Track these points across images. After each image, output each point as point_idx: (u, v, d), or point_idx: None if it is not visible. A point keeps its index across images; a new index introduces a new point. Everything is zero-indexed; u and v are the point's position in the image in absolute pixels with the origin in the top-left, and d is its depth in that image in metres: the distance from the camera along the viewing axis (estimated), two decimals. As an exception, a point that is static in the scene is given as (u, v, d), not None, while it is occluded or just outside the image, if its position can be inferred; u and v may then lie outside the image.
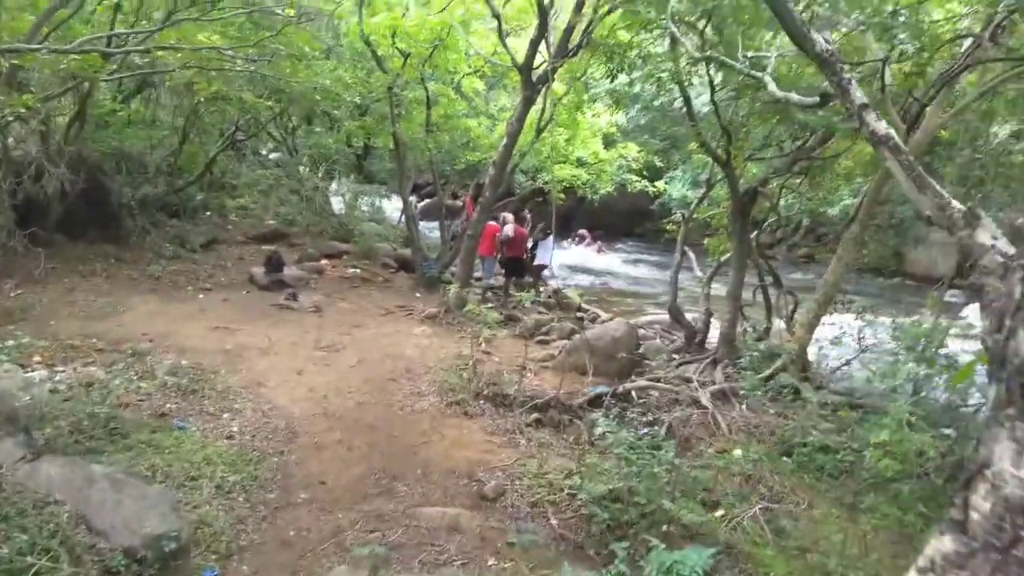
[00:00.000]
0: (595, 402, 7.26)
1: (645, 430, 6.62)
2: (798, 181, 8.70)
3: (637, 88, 10.34)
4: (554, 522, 5.08)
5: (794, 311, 8.71)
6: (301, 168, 18.55)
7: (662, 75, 6.77)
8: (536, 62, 9.97)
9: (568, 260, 18.26)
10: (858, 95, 2.76)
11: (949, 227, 2.34)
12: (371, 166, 21.41)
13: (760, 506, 5.29)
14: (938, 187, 2.50)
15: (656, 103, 19.31)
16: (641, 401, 7.27)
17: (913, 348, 6.06)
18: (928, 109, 6.76)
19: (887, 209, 10.08)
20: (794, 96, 3.99)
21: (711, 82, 6.45)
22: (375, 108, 13.77)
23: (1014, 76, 6.56)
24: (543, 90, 10.19)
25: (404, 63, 11.50)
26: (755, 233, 8.73)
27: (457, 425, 6.65)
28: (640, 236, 23.18)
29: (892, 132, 2.70)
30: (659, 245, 22.61)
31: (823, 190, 9.19)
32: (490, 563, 4.62)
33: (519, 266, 12.00)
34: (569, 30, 9.73)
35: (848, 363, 7.59)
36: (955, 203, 2.41)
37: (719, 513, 5.32)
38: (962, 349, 6.17)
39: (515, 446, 6.27)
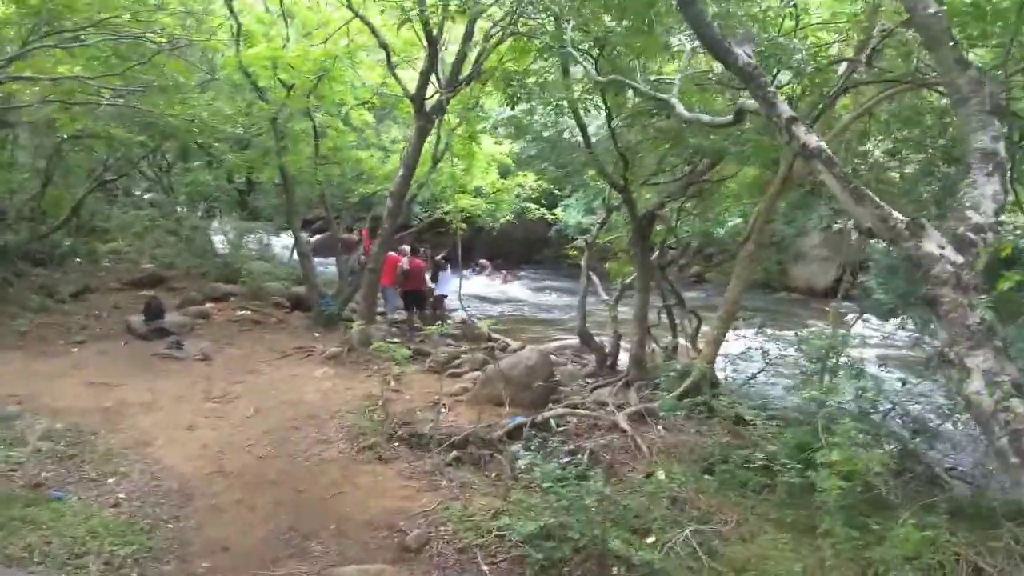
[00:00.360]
0: (514, 434, 7.04)
1: (567, 459, 6.47)
2: (690, 204, 8.95)
3: (537, 116, 10.42)
4: (485, 568, 4.79)
5: (697, 329, 8.90)
6: (178, 207, 17.47)
7: (560, 102, 6.77)
8: (429, 92, 9.83)
9: (473, 290, 18.07)
10: (784, 108, 2.75)
11: (892, 239, 2.31)
12: (256, 202, 20.44)
13: (690, 528, 5.21)
14: (876, 199, 2.48)
15: (546, 134, 19.70)
16: (560, 429, 7.12)
17: (818, 359, 6.27)
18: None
19: (771, 227, 10.60)
20: (703, 116, 4.02)
21: (608, 109, 6.51)
22: (258, 142, 13.17)
23: (885, 98, 7.04)
24: (437, 121, 10.04)
25: (288, 94, 11.05)
26: (655, 255, 8.88)
27: (371, 472, 6.23)
28: (539, 263, 23.38)
29: (823, 145, 2.70)
30: (559, 271, 22.91)
31: (713, 212, 9.52)
32: (422, 623, 4.28)
33: (420, 298, 11.71)
34: (460, 60, 9.68)
35: (754, 377, 7.78)
36: (896, 214, 2.39)
37: (650, 540, 5.20)
38: (862, 357, 6.41)
39: (435, 489, 5.93)
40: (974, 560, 4.46)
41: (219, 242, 16.90)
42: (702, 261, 19.41)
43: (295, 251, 18.35)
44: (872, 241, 12.67)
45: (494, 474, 6.40)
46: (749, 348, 7.63)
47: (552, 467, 5.37)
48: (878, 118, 7.40)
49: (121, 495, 5.49)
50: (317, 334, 11.46)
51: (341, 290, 12.39)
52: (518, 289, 19.94)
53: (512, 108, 6.56)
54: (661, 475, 6.10)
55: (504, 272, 20.91)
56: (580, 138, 14.03)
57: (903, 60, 5.76)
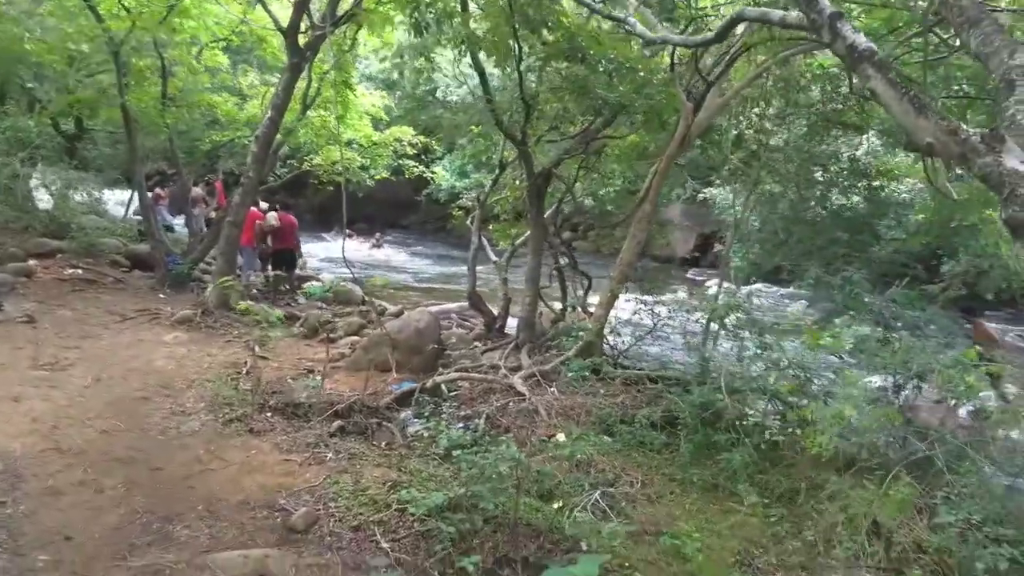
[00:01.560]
0: (403, 400, 6.53)
1: (461, 425, 6.07)
2: (583, 164, 8.72)
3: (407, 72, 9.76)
4: (386, 546, 4.28)
5: (587, 291, 8.76)
6: (-7, 156, 14.95)
7: (461, 37, 6.19)
8: (302, 27, 8.86)
9: (338, 254, 17.07)
10: (826, 3, 2.41)
11: (963, 155, 1.99)
12: (86, 152, 18.01)
13: (598, 492, 5.00)
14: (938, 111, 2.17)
15: (417, 91, 18.88)
16: (453, 394, 6.68)
17: (716, 319, 6.27)
18: (709, 92, 7.09)
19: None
20: (673, 36, 3.67)
21: (519, 48, 6.05)
22: (92, 82, 11.47)
23: (779, 61, 7.12)
24: (310, 61, 9.10)
25: (133, 24, 9.61)
26: (548, 215, 8.60)
27: (242, 446, 5.47)
28: (405, 228, 22.60)
29: (874, 47, 2.37)
30: (426, 237, 22.25)
31: (600, 174, 9.39)
32: (318, 611, 3.72)
33: (290, 259, 10.71)
34: (338, -7, 8.79)
35: (641, 338, 7.74)
36: (966, 127, 2.09)
37: (557, 505, 4.93)
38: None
39: (321, 462, 5.29)
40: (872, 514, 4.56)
41: (42, 197, 14.66)
42: (570, 229, 19.66)
43: (131, 207, 16.46)
44: (730, 211, 13.34)
45: (384, 443, 5.85)
46: (638, 311, 7.54)
47: (458, 433, 4.93)
48: (767, 83, 7.52)
49: (-71, 481, 4.46)
50: (163, 296, 10.24)
51: (191, 247, 11.10)
52: (388, 253, 19.11)
53: (418, 36, 5.90)
54: (561, 437, 5.86)
55: (377, 235, 19.91)
56: (452, 96, 13.49)
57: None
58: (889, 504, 4.35)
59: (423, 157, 14.86)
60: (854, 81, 7.09)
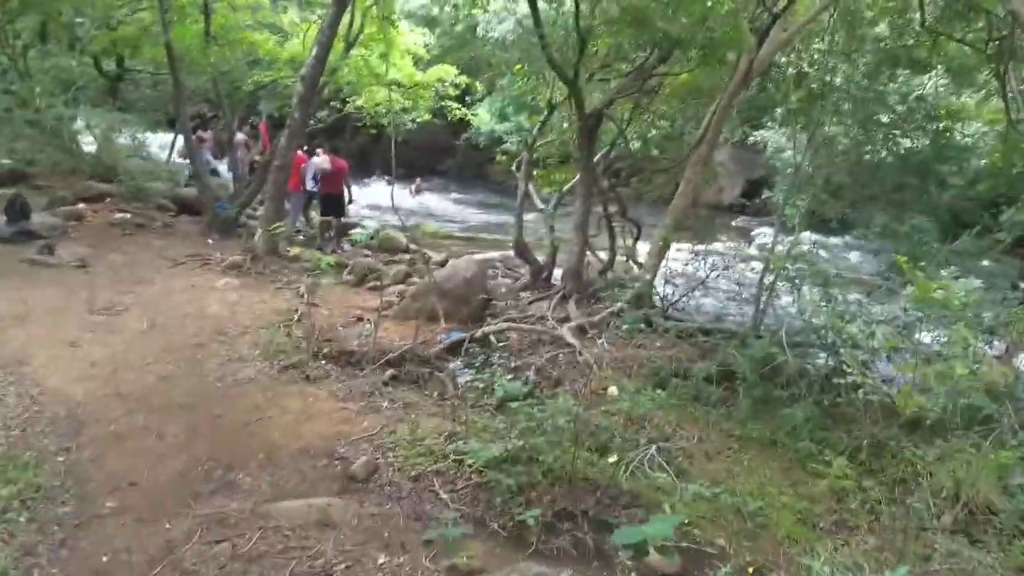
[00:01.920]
0: (453, 350, 6.53)
1: (511, 376, 6.04)
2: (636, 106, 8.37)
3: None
4: (445, 497, 4.30)
5: (636, 240, 8.56)
6: (38, 98, 15.04)
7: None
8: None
9: (380, 201, 16.99)
10: None
11: None
12: (128, 94, 18.05)
13: (654, 447, 4.94)
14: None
15: (457, 28, 18.34)
16: (501, 345, 6.65)
17: (779, 269, 6.05)
18: (774, 26, 6.69)
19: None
20: None
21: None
22: (134, 20, 11.35)
23: None
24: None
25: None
26: (598, 159, 8.35)
27: (299, 393, 5.52)
28: (443, 174, 22.34)
29: None
30: (466, 183, 21.96)
31: (653, 114, 9.02)
32: (380, 561, 3.76)
33: (339, 204, 10.64)
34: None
35: (693, 290, 7.56)
36: None
37: (612, 459, 4.89)
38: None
39: (376, 411, 5.32)
40: (929, 469, 4.43)
41: (87, 139, 14.79)
42: (611, 175, 19.22)
43: (174, 150, 16.53)
44: (783, 155, 12.81)
45: (436, 393, 5.88)
46: (691, 261, 7.34)
47: (512, 384, 4.89)
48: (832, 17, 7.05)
49: (-7, 425, 4.56)
50: (211, 241, 10.30)
51: (238, 191, 11.11)
52: (429, 200, 18.94)
53: None
54: (614, 390, 5.80)
55: (418, 181, 19.67)
56: (493, 33, 13.04)
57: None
58: (989, 467, 4.18)
59: (465, 99, 14.54)
60: (927, 12, 6.63)
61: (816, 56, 8.39)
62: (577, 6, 6.27)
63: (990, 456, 3.87)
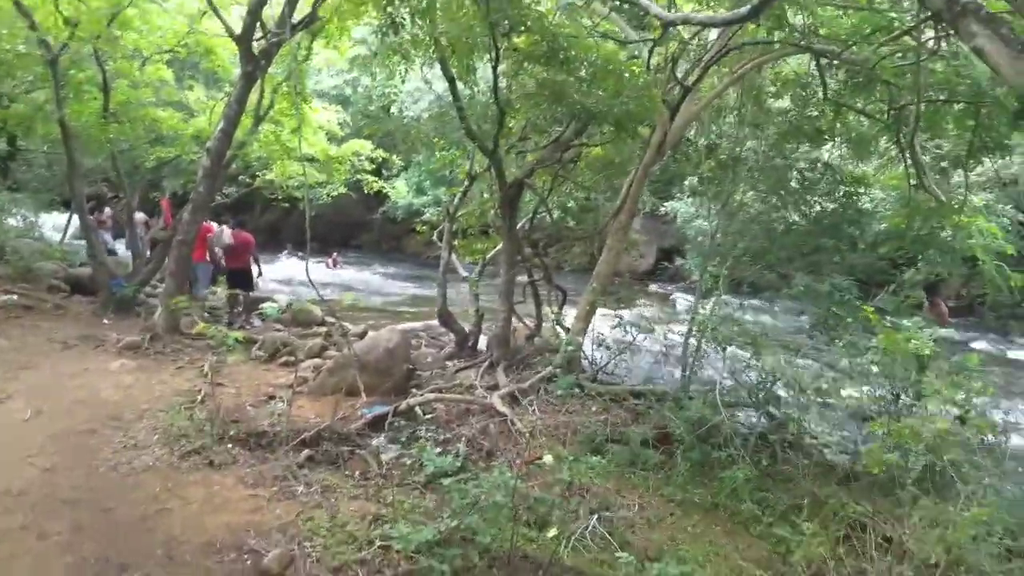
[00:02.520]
0: (375, 425, 6.10)
1: (439, 449, 5.67)
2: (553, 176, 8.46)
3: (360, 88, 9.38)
4: (372, 588, 3.86)
5: (562, 305, 8.47)
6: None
7: (433, 38, 5.83)
8: (256, 35, 8.43)
9: (295, 275, 16.44)
10: None
11: None
12: (20, 174, 16.98)
13: (595, 518, 4.67)
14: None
15: (371, 108, 18.46)
16: (428, 416, 6.29)
17: (707, 331, 6.05)
18: (686, 99, 6.94)
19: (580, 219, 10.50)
20: (696, 15, 3.41)
21: (497, 49, 5.74)
22: (26, 98, 10.77)
23: (763, 63, 7.00)
24: (264, 70, 8.64)
25: (72, 34, 9.04)
26: (520, 227, 8.31)
27: (203, 481, 4.96)
28: (358, 248, 22.00)
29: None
30: (381, 256, 21.66)
31: (576, 183, 9.14)
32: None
33: (246, 279, 10.13)
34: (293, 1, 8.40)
35: (620, 353, 7.45)
36: None
37: (552, 533, 4.57)
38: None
39: (291, 496, 4.83)
40: (883, 529, 4.34)
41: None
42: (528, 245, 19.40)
43: (68, 231, 15.56)
44: (694, 224, 13.27)
45: (358, 473, 5.42)
46: (617, 325, 7.28)
47: (443, 459, 4.55)
48: (749, 87, 7.40)
49: None
50: (107, 321, 9.54)
51: (137, 268, 10.43)
52: (345, 274, 18.50)
53: (393, 34, 5.50)
54: (549, 459, 5.50)
55: (334, 255, 19.24)
56: (407, 112, 13.10)
57: (778, 24, 5.63)
58: (963, 523, 4.07)
59: (382, 172, 14.46)
60: (828, 86, 7.05)
61: (726, 128, 8.78)
62: (496, 81, 6.31)
63: (963, 513, 3.77)
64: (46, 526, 4.23)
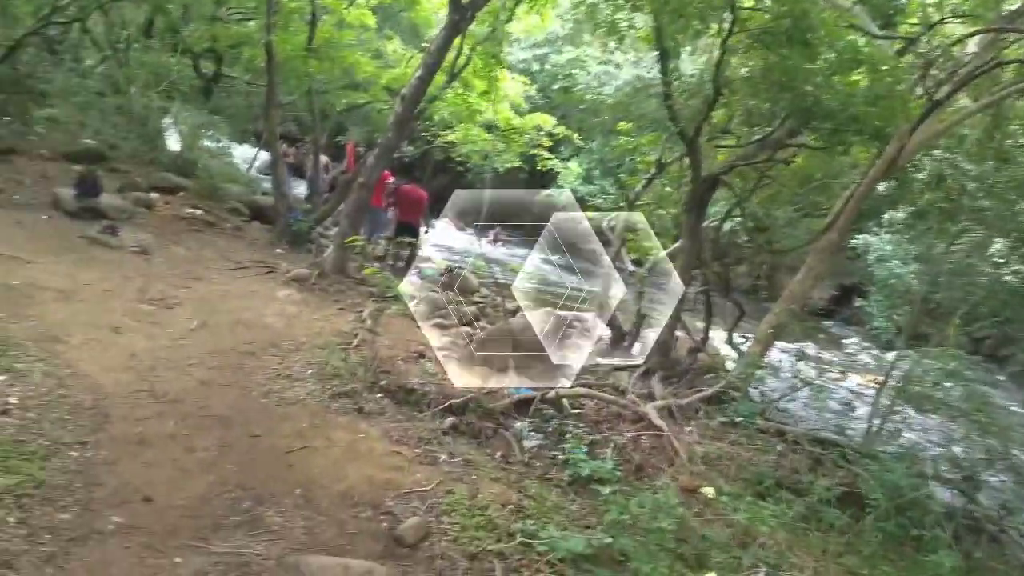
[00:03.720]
0: (519, 408, 5.72)
1: (585, 450, 5.19)
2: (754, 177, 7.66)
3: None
4: (508, 588, 3.48)
5: (737, 322, 7.73)
6: (132, 88, 15.28)
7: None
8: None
9: (450, 242, 16.58)
10: None
11: None
12: (220, 99, 18.25)
13: (763, 572, 4.02)
14: None
15: (554, 87, 18.12)
16: (575, 412, 5.83)
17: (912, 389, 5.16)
18: (932, 113, 5.97)
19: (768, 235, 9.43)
20: None
21: (734, 15, 5.10)
22: (238, 24, 11.38)
23: (1019, 92, 5.91)
24: (470, 21, 8.44)
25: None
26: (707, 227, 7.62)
27: (349, 426, 4.81)
28: (518, 228, 21.84)
29: None
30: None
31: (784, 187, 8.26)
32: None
33: (414, 234, 10.16)
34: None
35: (797, 390, 6.61)
36: None
37: (710, 576, 3.98)
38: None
39: (433, 462, 4.56)
40: None
41: (172, 135, 14.84)
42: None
43: (255, 165, 16.54)
44: (883, 264, 11.82)
45: (499, 454, 5.08)
46: (801, 356, 6.46)
47: (608, 465, 4.08)
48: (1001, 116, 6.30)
49: (11, 400, 4.00)
50: (280, 251, 9.88)
51: (316, 205, 10.75)
52: (506, 251, 18.39)
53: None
54: (710, 491, 4.90)
55: (497, 230, 19.15)
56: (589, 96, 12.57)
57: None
58: None
59: (560, 151, 14.10)
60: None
61: (959, 158, 7.61)
62: (722, 56, 5.66)
63: None
64: (194, 440, 4.21)
